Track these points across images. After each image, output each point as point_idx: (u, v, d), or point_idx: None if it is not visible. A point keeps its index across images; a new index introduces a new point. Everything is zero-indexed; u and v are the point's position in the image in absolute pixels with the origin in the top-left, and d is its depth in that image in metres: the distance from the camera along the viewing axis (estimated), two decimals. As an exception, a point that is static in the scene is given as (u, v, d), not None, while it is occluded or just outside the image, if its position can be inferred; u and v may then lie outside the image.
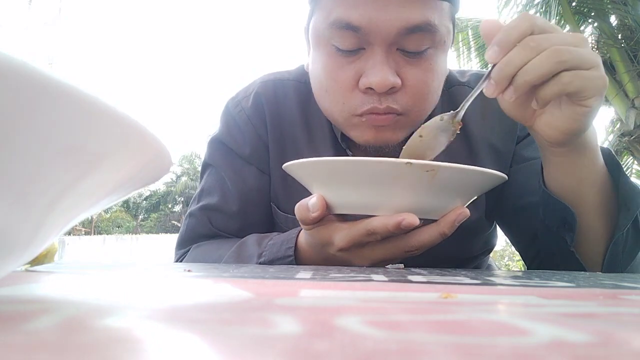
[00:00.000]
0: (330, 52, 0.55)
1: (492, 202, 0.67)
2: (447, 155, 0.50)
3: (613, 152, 0.54)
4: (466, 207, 0.46)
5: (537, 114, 0.48)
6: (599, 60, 0.45)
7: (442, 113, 0.50)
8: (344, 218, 0.48)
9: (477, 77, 0.67)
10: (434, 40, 0.54)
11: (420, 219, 0.43)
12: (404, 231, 0.44)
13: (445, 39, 0.56)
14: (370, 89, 0.53)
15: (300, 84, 0.67)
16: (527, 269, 0.67)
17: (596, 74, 0.44)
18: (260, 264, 0.55)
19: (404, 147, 0.51)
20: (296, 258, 0.54)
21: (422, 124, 0.50)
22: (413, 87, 0.55)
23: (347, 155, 0.63)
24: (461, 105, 0.49)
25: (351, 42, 0.54)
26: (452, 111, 0.50)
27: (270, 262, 0.54)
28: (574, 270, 0.50)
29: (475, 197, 0.48)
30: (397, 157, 0.43)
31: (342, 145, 0.63)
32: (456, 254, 0.66)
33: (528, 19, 0.45)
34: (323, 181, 0.45)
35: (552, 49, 0.43)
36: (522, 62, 0.43)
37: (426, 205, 0.43)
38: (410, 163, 0.39)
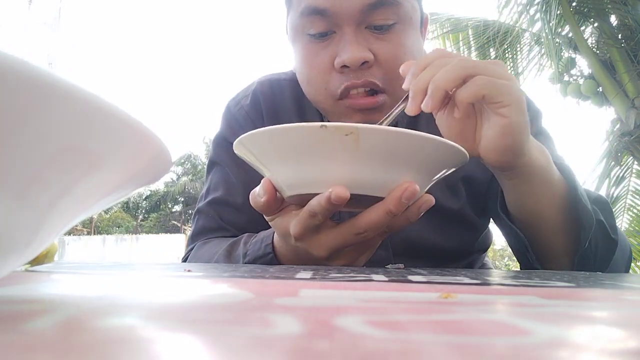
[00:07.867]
0: (305, 41, 0.59)
1: (475, 197, 0.68)
2: None
3: (571, 170, 0.54)
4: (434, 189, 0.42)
5: (476, 142, 0.49)
6: (514, 79, 0.46)
7: None
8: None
9: None
10: (399, 14, 0.57)
11: (364, 197, 0.39)
12: (338, 207, 0.39)
13: (411, 14, 0.59)
14: (345, 67, 0.56)
15: (295, 83, 0.69)
16: (520, 267, 0.67)
17: (510, 83, 0.44)
18: (245, 264, 0.53)
19: None
20: (276, 256, 0.52)
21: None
22: (386, 60, 0.57)
23: None
24: (384, 118, 0.50)
25: (321, 25, 0.57)
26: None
27: (254, 261, 0.53)
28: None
29: (438, 176, 0.42)
30: None
31: None
32: (444, 246, 0.66)
33: (437, 52, 0.47)
34: (260, 158, 0.41)
35: (459, 59, 0.45)
36: (432, 75, 0.45)
37: (363, 177, 0.38)
38: (325, 126, 0.35)
